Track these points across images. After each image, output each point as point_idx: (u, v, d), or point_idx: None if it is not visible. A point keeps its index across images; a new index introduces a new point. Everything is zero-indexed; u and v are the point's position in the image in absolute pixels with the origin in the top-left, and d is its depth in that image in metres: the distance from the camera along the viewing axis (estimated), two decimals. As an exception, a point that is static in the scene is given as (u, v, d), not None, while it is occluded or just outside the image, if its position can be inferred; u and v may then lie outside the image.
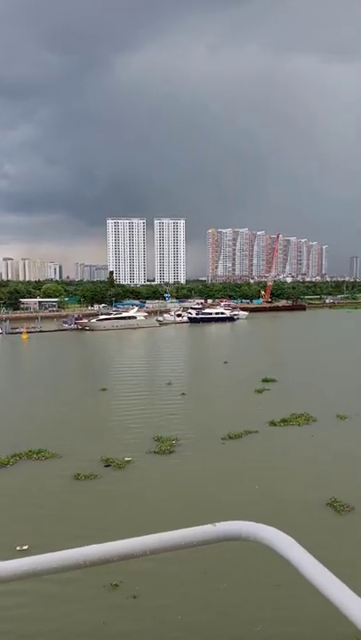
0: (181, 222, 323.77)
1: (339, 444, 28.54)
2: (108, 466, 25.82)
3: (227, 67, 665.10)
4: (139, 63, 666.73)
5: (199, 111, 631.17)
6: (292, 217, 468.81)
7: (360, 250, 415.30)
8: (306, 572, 1.61)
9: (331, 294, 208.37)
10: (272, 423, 32.77)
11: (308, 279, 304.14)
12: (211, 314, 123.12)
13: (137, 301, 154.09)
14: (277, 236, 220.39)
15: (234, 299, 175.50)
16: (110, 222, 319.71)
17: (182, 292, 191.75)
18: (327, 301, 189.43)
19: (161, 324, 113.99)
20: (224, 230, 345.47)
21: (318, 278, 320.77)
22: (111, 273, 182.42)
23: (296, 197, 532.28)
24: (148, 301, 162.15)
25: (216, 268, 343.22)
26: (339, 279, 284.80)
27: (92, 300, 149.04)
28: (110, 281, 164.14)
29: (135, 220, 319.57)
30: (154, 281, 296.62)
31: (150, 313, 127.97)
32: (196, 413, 36.40)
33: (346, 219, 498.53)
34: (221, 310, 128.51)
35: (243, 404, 38.97)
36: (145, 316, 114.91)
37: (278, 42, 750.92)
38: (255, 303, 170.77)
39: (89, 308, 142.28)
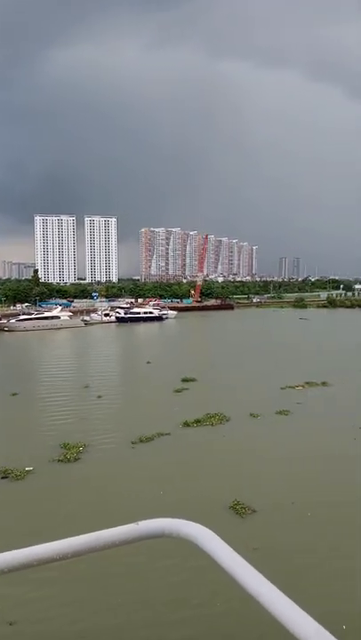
0: (113, 220, 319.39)
1: (248, 444, 28.53)
2: (6, 477, 24.05)
3: (161, 68, 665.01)
4: (72, 59, 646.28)
5: (134, 111, 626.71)
6: (224, 218, 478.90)
7: (288, 251, 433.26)
8: (227, 566, 1.62)
9: (258, 294, 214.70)
10: (185, 424, 32.29)
11: (239, 279, 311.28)
12: (139, 313, 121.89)
13: (64, 301, 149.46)
14: (206, 237, 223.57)
15: (165, 298, 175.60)
16: (38, 219, 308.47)
17: (112, 291, 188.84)
18: (254, 301, 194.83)
19: (87, 323, 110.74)
20: (157, 229, 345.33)
21: (249, 278, 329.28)
22: (36, 271, 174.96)
23: (227, 199, 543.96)
24: (76, 300, 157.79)
25: (149, 267, 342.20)
26: (268, 279, 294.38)
27: (15, 299, 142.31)
28: (35, 279, 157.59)
29: (65, 218, 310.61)
30: (85, 280, 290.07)
31: (77, 312, 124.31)
32: (110, 417, 35.18)
33: (274, 223, 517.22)
34: (150, 310, 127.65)
35: (160, 405, 38.23)
36: (70, 316, 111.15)
37: (212, 45, 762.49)
38: (185, 302, 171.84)
39: (11, 307, 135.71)
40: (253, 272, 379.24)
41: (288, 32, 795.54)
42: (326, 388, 43.47)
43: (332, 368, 51.52)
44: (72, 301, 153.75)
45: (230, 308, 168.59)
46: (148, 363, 57.73)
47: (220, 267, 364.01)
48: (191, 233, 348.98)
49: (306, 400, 39.12)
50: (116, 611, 14.45)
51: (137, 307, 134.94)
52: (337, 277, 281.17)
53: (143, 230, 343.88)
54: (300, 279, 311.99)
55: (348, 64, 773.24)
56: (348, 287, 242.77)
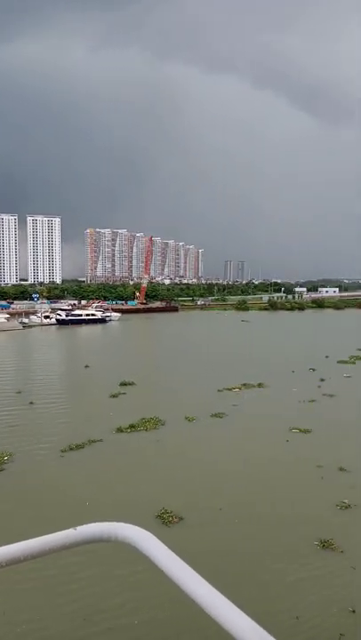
0: (57, 220, 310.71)
1: (180, 449, 28.22)
2: None
3: (109, 68, 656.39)
4: (17, 56, 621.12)
5: (84, 111, 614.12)
6: (172, 221, 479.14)
7: (234, 255, 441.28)
8: (165, 568, 1.64)
9: (203, 296, 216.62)
10: (119, 430, 31.57)
11: (185, 281, 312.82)
12: (81, 315, 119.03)
13: (2, 302, 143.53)
14: (150, 239, 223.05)
15: (109, 300, 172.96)
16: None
17: (55, 293, 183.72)
18: (199, 303, 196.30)
19: (25, 326, 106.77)
20: (102, 230, 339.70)
21: (195, 281, 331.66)
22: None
23: (175, 203, 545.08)
24: (16, 302, 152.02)
25: (95, 268, 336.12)
26: (214, 282, 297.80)
27: None
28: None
29: (6, 216, 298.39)
30: (27, 281, 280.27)
31: (15, 314, 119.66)
32: (41, 424, 33.79)
33: (221, 228, 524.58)
34: (93, 312, 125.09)
35: (94, 410, 37.21)
36: (7, 318, 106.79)
37: (158, 48, 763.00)
38: (130, 304, 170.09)
39: None
40: (200, 275, 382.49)
41: (235, 37, 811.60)
42: (262, 390, 44.13)
43: (269, 369, 52.50)
44: (12, 303, 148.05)
45: (175, 310, 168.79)
46: (87, 367, 56.31)
47: (166, 269, 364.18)
48: (138, 235, 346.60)
49: (242, 402, 39.46)
50: (45, 622, 14.00)
51: (79, 308, 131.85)
52: (279, 281, 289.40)
53: (89, 231, 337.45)
54: (244, 282, 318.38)
55: (292, 73, 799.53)
56: (289, 290, 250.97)
